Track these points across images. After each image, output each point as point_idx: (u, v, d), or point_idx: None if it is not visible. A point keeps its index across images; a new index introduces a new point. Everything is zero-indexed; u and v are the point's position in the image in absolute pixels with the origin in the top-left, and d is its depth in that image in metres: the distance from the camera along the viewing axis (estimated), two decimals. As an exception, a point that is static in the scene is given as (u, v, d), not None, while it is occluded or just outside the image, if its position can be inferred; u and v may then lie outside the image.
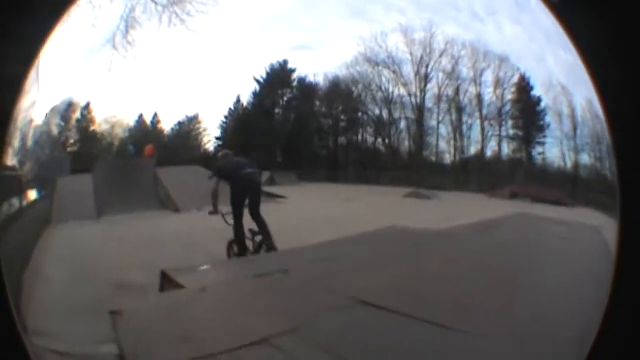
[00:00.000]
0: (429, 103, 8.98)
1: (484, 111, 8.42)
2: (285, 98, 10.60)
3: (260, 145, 10.12)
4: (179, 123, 10.10)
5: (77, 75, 7.61)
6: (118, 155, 9.75)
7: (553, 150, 8.11)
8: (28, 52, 1.60)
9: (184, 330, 3.22)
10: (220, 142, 9.98)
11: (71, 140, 9.11)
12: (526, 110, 8.15)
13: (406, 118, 9.40)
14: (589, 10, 1.51)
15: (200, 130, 10.04)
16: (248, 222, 6.05)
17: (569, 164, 7.53)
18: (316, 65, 9.55)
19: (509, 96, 8.25)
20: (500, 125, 8.55)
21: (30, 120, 6.58)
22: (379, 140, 10.18)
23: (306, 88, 10.28)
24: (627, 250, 1.54)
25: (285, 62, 9.95)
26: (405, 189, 8.93)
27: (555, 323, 3.16)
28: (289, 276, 4.60)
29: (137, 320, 3.49)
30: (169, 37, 7.89)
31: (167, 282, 4.57)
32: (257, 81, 10.14)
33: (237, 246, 5.79)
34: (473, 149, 9.11)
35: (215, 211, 5.83)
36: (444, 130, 8.96)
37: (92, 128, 9.30)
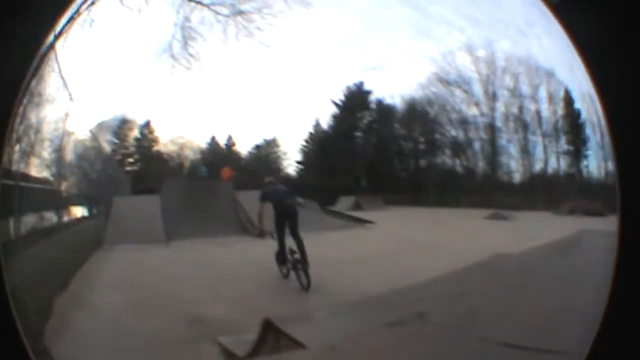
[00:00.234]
0: (498, 122, 8.62)
1: (544, 128, 7.97)
2: (364, 121, 10.80)
3: (343, 169, 10.33)
4: (257, 146, 10.09)
5: (129, 88, 6.97)
6: (190, 177, 9.26)
7: (592, 161, 7.79)
8: (28, 52, 1.63)
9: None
10: (302, 167, 10.29)
11: (130, 160, 8.78)
12: (573, 124, 7.54)
13: (480, 139, 9.04)
14: (589, 10, 1.54)
15: (280, 154, 10.23)
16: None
17: (603, 174, 6.83)
18: (390, 87, 9.60)
19: (560, 111, 7.72)
20: (557, 141, 8.03)
21: (67, 133, 6.26)
22: (457, 161, 9.83)
23: (384, 110, 10.38)
24: (627, 250, 1.51)
25: (361, 83, 10.12)
26: (484, 211, 8.47)
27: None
28: (426, 321, 3.85)
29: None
30: (238, 51, 7.40)
31: (273, 334, 3.63)
32: (336, 104, 10.40)
33: (279, 258, 6.31)
34: (537, 167, 8.67)
35: (261, 231, 6.46)
36: (513, 149, 8.56)
37: (155, 148, 8.87)
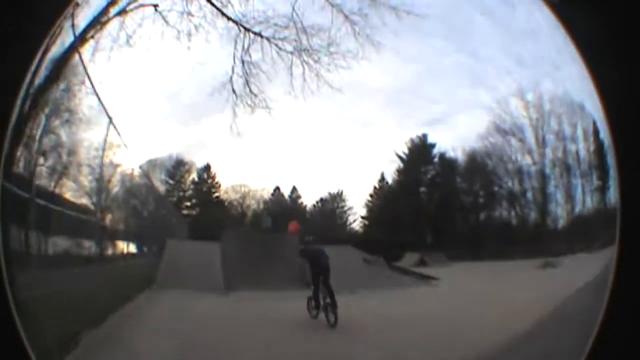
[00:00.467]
0: (546, 169, 8.36)
1: (582, 167, 7.50)
2: (428, 175, 10.81)
3: (408, 224, 10.27)
4: (322, 200, 9.86)
5: (184, 121, 5.90)
6: (253, 228, 9.00)
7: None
8: (27, 52, 1.63)
9: None
10: (366, 222, 10.22)
11: (187, 203, 8.71)
12: (602, 157, 6.84)
13: (532, 188, 8.82)
14: (589, 10, 1.56)
15: (346, 209, 10.00)
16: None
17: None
18: (451, 139, 9.70)
19: (592, 147, 7.15)
20: (592, 179, 7.46)
21: (109, 163, 5.79)
22: (512, 213, 9.60)
23: (447, 164, 10.44)
24: (627, 250, 1.54)
25: (425, 136, 10.20)
26: (535, 260, 8.15)
27: None
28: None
29: None
30: (304, 92, 6.76)
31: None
32: (400, 157, 10.41)
33: (313, 301, 6.68)
34: (577, 209, 8.10)
35: (308, 282, 6.98)
36: (559, 194, 8.16)
37: (215, 194, 8.72)
